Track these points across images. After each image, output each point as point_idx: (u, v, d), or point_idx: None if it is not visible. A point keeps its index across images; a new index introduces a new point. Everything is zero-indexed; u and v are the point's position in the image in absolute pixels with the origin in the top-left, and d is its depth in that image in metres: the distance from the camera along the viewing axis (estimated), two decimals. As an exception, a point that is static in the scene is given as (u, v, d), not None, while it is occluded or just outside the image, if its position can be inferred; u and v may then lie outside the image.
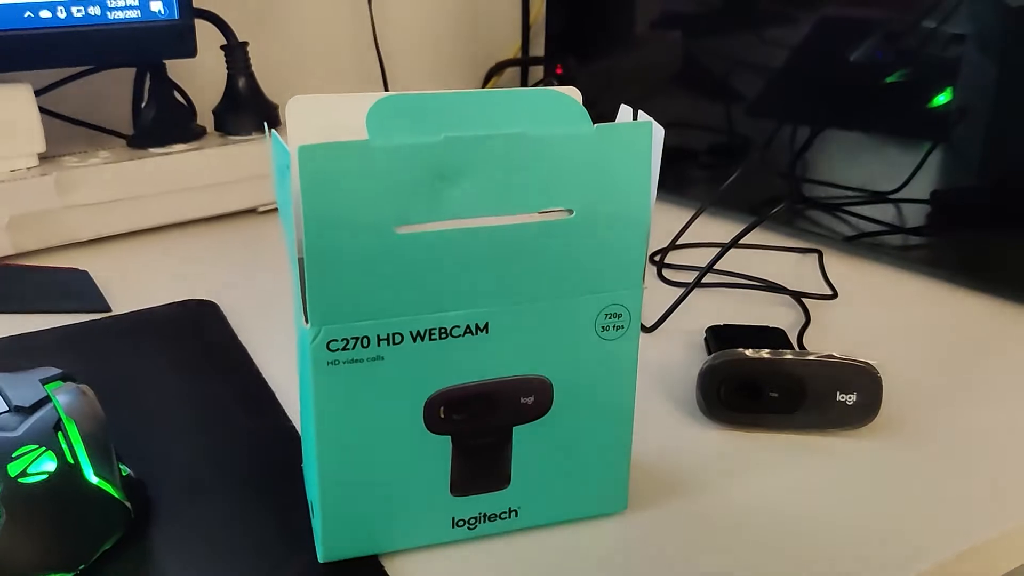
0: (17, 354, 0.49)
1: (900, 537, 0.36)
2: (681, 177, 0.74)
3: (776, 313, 0.55)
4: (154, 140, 0.69)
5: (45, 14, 0.60)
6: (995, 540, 0.36)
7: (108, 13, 0.62)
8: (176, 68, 0.73)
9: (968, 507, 0.38)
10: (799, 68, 0.64)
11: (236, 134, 0.72)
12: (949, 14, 0.55)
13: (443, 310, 0.31)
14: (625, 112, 0.33)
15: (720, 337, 0.49)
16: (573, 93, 0.34)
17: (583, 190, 0.31)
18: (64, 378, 0.37)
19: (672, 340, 0.52)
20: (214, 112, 0.73)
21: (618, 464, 0.36)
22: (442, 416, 0.33)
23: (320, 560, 0.34)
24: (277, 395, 0.45)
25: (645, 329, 0.53)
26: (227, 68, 0.72)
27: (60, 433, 0.33)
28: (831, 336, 0.53)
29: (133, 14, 0.63)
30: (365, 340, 0.31)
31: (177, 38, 0.65)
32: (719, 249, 0.56)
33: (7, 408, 0.34)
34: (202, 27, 0.68)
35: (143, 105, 0.71)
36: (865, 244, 0.64)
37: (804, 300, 0.56)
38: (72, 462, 0.33)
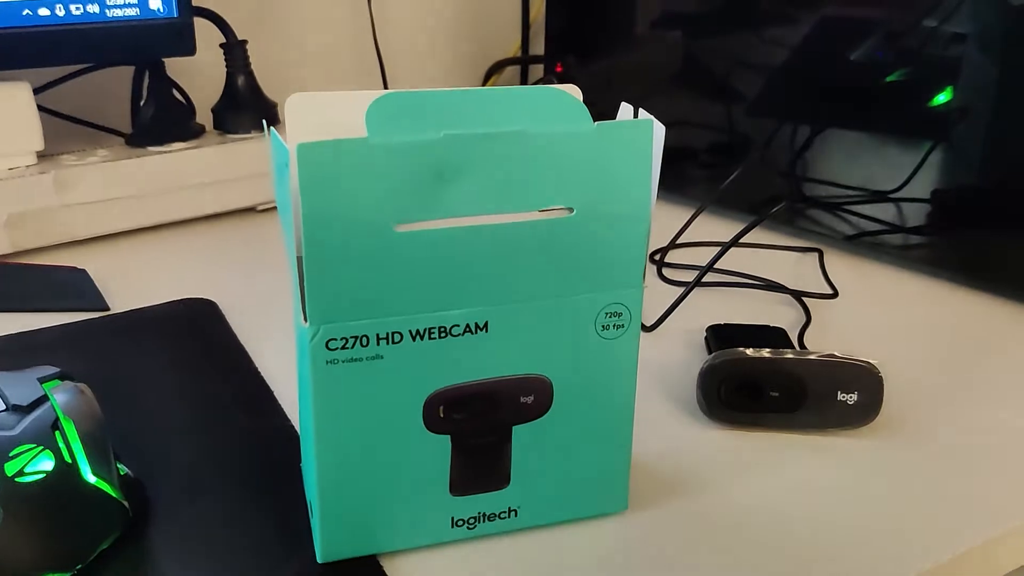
0: (15, 353, 0.49)
1: (900, 537, 0.36)
2: (681, 176, 0.74)
3: (777, 312, 0.55)
4: (153, 138, 0.69)
5: (44, 12, 0.60)
6: (995, 540, 0.36)
7: (107, 11, 0.62)
8: (175, 66, 0.72)
9: (968, 507, 0.38)
10: (799, 67, 0.64)
11: (235, 132, 0.72)
12: (950, 13, 0.55)
13: (443, 309, 0.31)
14: (626, 110, 0.33)
15: (720, 336, 0.49)
16: (573, 91, 0.33)
17: (583, 188, 0.31)
18: (62, 377, 0.37)
19: (672, 339, 0.52)
20: (213, 110, 0.73)
21: (618, 464, 0.36)
22: (442, 415, 0.33)
23: (319, 560, 0.34)
24: (276, 394, 0.45)
25: (645, 328, 0.53)
26: (226, 66, 0.72)
27: (58, 432, 0.33)
28: (832, 335, 0.52)
29: (132, 12, 0.63)
30: (364, 339, 0.31)
31: (176, 36, 0.65)
32: (719, 248, 0.56)
33: (4, 407, 0.34)
34: (201, 25, 0.68)
35: (142, 103, 0.71)
36: (866, 243, 0.64)
37: (805, 299, 0.56)
38: (70, 461, 0.33)
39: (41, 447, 0.33)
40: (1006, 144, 0.55)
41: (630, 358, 0.34)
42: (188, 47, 0.66)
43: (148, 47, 0.65)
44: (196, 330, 0.52)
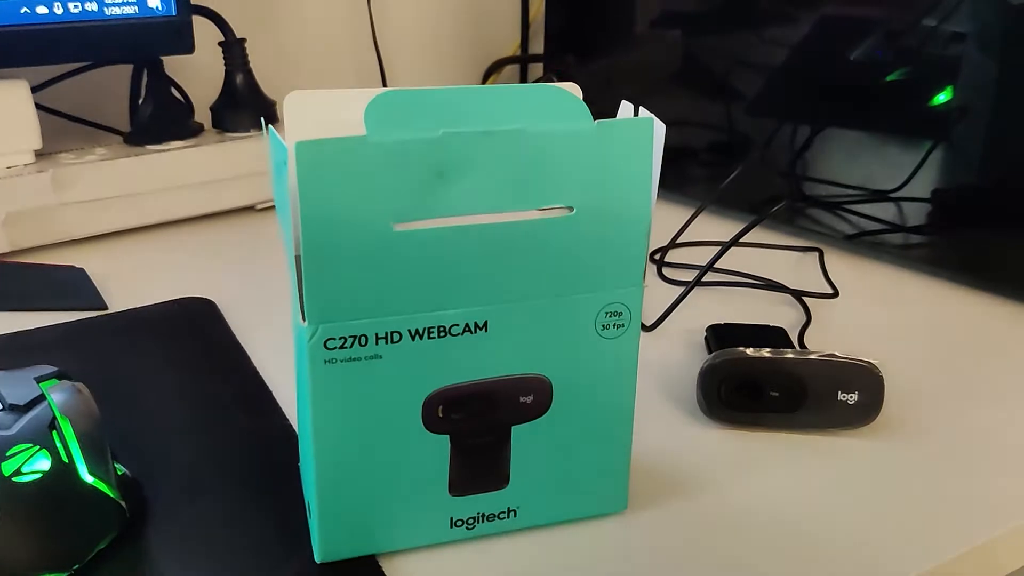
0: (12, 352, 0.49)
1: (900, 537, 0.36)
2: (681, 175, 0.74)
3: (777, 312, 0.55)
4: (151, 137, 0.68)
5: (42, 10, 0.60)
6: (995, 540, 0.36)
7: (105, 9, 0.62)
8: (173, 64, 0.72)
9: (968, 507, 0.38)
10: (799, 67, 0.64)
11: (234, 131, 0.72)
12: (949, 13, 0.55)
13: (442, 308, 0.31)
14: (626, 108, 0.33)
15: (720, 336, 0.49)
16: (573, 89, 0.33)
17: (583, 187, 0.31)
18: (59, 376, 0.37)
19: (672, 339, 0.52)
20: (212, 109, 0.73)
21: (618, 464, 0.36)
22: (441, 415, 0.33)
23: (317, 560, 0.33)
24: (274, 394, 0.45)
25: (645, 328, 0.53)
26: (225, 65, 0.72)
27: (55, 432, 0.33)
28: (832, 335, 0.52)
29: (130, 10, 0.63)
30: (363, 338, 0.31)
31: (175, 34, 0.65)
32: (719, 248, 0.56)
33: (1, 406, 0.34)
34: (200, 23, 0.68)
35: (140, 102, 0.70)
36: (866, 243, 0.63)
37: (805, 299, 0.56)
38: (67, 461, 0.33)
39: (38, 447, 0.32)
40: (1006, 143, 0.55)
41: (630, 358, 0.34)
42: (187, 45, 0.66)
43: (146, 45, 0.65)
44: (194, 329, 0.52)
